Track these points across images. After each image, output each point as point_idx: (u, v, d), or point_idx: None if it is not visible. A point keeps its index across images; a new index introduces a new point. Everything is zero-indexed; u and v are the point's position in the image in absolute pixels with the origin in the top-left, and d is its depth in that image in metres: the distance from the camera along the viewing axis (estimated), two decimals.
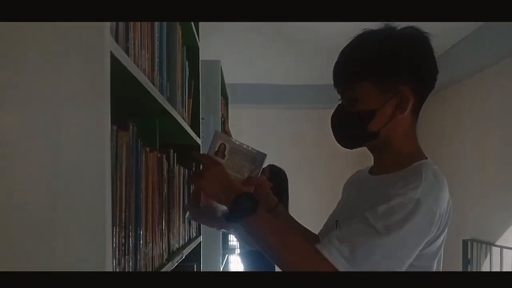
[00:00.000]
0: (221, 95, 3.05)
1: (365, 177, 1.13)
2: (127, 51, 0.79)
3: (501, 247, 3.43)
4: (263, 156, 1.20)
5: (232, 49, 4.25)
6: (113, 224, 0.68)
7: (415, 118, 1.07)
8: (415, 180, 0.94)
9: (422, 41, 1.02)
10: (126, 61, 0.74)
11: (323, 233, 1.20)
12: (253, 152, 1.17)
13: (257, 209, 0.96)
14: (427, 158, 1.06)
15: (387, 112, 1.00)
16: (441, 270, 1.11)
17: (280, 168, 3.13)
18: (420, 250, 0.95)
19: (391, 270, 0.91)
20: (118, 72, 0.73)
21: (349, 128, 1.05)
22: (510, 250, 3.34)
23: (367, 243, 0.89)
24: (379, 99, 0.99)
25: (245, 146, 1.16)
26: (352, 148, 1.09)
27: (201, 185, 1.00)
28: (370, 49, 1.01)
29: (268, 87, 5.22)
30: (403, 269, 0.93)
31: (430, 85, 1.05)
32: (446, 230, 1.02)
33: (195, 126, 1.72)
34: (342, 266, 0.88)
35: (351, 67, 1.03)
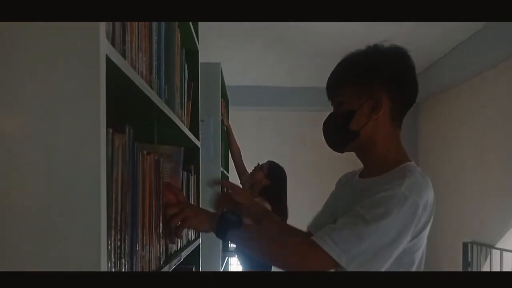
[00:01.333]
0: (222, 97, 3.05)
1: (356, 179, 1.23)
2: (123, 54, 0.79)
3: (501, 250, 3.42)
4: (179, 150, 1.20)
5: (232, 51, 4.25)
6: (109, 227, 0.68)
7: (397, 125, 1.17)
8: (399, 178, 1.05)
9: (401, 56, 1.16)
10: (122, 64, 0.74)
11: (314, 227, 1.28)
12: (167, 149, 1.16)
13: (240, 224, 1.11)
14: (411, 161, 1.17)
15: (364, 112, 1.12)
16: (422, 269, 1.17)
17: (279, 165, 3.11)
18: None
19: (380, 257, 1.00)
20: (115, 75, 0.73)
21: (334, 129, 1.19)
22: (510, 253, 3.34)
23: (358, 231, 0.99)
24: (358, 101, 1.13)
25: (159, 146, 1.14)
26: (341, 151, 1.21)
27: (188, 224, 1.13)
28: (354, 60, 1.17)
29: (268, 89, 5.23)
30: (392, 258, 1.02)
31: (408, 95, 1.17)
32: (428, 228, 1.10)
33: (194, 128, 1.72)
34: (336, 254, 0.98)
35: (338, 77, 1.19)
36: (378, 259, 1.01)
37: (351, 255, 0.98)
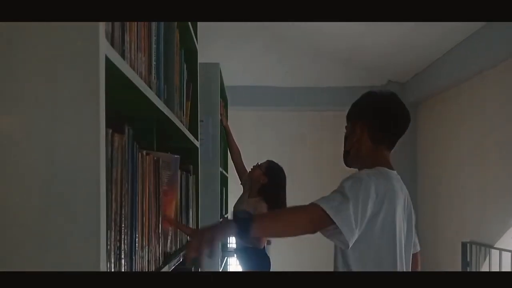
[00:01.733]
0: (221, 97, 3.05)
1: None
2: (123, 55, 0.79)
3: (500, 250, 3.42)
4: (176, 159, 1.23)
5: (232, 51, 4.25)
6: (108, 228, 0.68)
7: (380, 145, 1.65)
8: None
9: (383, 99, 1.69)
10: (121, 64, 0.74)
11: None
12: (167, 157, 1.17)
13: (251, 216, 1.32)
14: (386, 167, 1.59)
15: (351, 138, 1.69)
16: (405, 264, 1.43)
17: (278, 165, 3.11)
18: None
19: (355, 213, 1.38)
20: (114, 76, 0.73)
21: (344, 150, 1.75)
22: (509, 253, 3.33)
23: (337, 196, 1.43)
24: (350, 131, 1.70)
25: (160, 154, 1.14)
26: (347, 166, 1.75)
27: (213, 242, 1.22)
28: (353, 104, 1.75)
29: (268, 89, 5.22)
30: (357, 222, 1.39)
31: (385, 125, 1.66)
32: (387, 212, 1.47)
33: (193, 129, 1.72)
34: (325, 206, 1.37)
35: (347, 115, 1.75)
36: (353, 214, 1.38)
37: (335, 209, 1.37)
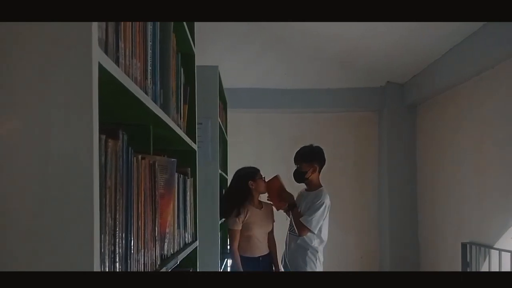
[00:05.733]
0: (220, 100, 3.06)
1: (304, 192, 3.39)
2: (117, 61, 0.80)
3: (500, 250, 3.43)
4: (173, 162, 1.25)
5: (230, 53, 4.26)
6: (102, 232, 0.69)
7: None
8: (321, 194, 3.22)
9: (319, 150, 3.33)
10: (115, 71, 0.75)
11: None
12: (163, 160, 1.18)
13: None
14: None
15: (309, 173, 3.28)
16: None
17: (243, 170, 3.29)
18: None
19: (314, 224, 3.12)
20: (108, 82, 0.74)
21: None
22: (509, 253, 3.34)
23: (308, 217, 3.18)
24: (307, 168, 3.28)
25: (156, 158, 1.16)
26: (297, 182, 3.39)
27: None
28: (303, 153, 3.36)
29: (266, 91, 5.23)
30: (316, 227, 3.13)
31: (323, 165, 3.32)
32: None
33: (191, 132, 1.73)
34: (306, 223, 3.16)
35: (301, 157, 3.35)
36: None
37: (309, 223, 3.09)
